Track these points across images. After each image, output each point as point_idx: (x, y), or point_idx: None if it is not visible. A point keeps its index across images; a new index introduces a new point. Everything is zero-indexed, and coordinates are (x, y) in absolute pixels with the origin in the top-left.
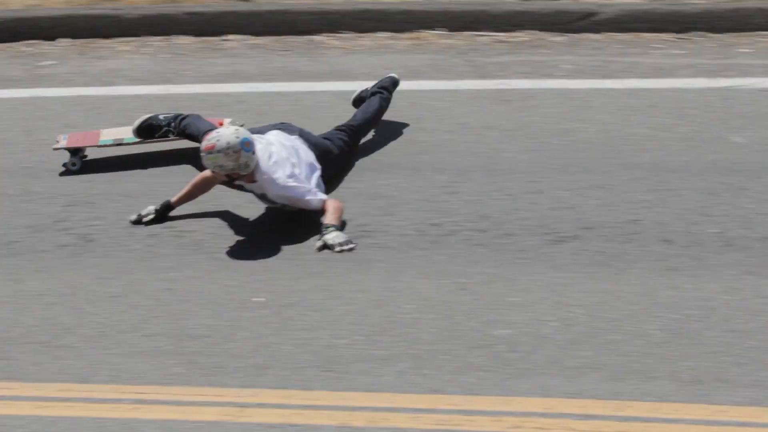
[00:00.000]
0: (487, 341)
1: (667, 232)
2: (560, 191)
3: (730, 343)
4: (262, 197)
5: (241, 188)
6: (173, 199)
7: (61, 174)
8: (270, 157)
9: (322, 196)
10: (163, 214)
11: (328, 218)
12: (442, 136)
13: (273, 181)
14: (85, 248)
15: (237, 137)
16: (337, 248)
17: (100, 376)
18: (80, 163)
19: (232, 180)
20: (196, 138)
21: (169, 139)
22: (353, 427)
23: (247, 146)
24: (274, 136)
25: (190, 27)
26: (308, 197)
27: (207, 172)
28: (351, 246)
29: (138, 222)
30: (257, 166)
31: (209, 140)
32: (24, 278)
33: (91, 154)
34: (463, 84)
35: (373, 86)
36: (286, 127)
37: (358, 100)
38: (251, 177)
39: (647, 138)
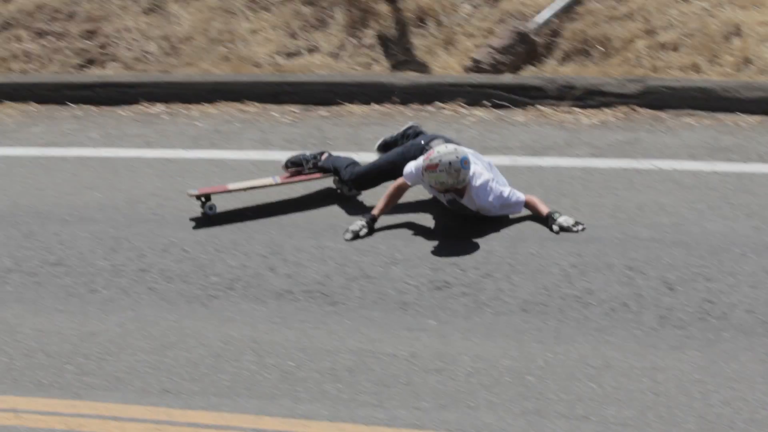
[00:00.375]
0: None
1: None
2: None
3: None
4: (460, 207)
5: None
6: (374, 211)
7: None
8: (476, 171)
9: (521, 195)
10: (371, 227)
11: (542, 208)
12: None
13: (486, 193)
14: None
15: (457, 157)
16: (575, 227)
17: None
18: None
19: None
20: (336, 171)
21: (307, 175)
22: None
23: (465, 164)
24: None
25: None
26: (514, 199)
27: (400, 181)
28: (582, 226)
29: (355, 238)
30: (469, 180)
31: (431, 160)
32: None
33: None
34: None
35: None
36: (451, 140)
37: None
38: (462, 191)
39: None
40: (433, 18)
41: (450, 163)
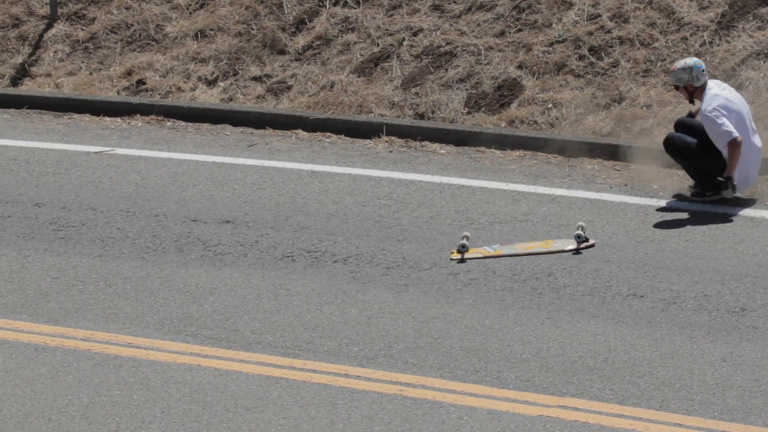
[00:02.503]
0: None
1: None
2: None
3: None
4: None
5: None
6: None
7: None
8: (720, 91)
9: (734, 133)
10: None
11: (730, 167)
12: None
13: (707, 102)
14: None
15: (692, 60)
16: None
17: None
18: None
19: (691, 98)
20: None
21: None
22: None
23: (698, 65)
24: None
25: None
26: (722, 129)
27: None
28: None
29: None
30: (705, 87)
31: (673, 64)
32: None
33: None
34: None
35: None
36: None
37: None
38: (700, 94)
39: None
40: None
41: (685, 63)
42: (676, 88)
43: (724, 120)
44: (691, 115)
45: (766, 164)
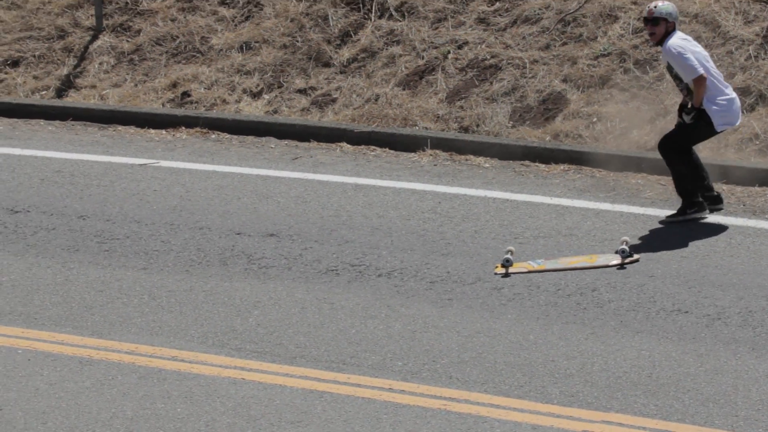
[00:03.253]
0: None
1: None
2: None
3: None
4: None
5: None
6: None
7: None
8: (688, 41)
9: (700, 70)
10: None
11: (696, 100)
12: None
13: (672, 44)
14: None
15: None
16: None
17: None
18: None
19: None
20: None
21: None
22: None
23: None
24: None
25: None
26: (690, 64)
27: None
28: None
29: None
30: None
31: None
32: None
33: None
34: None
35: None
36: None
37: None
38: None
39: None
40: None
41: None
42: (655, 23)
43: (690, 56)
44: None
45: None
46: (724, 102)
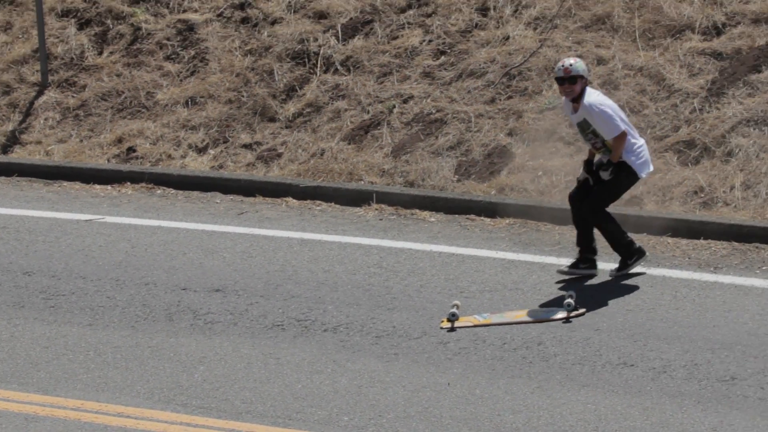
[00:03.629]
0: None
1: None
2: None
3: None
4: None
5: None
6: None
7: None
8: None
9: (622, 127)
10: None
11: (614, 156)
12: None
13: (594, 102)
14: None
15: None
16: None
17: None
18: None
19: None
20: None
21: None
22: None
23: (578, 61)
24: None
25: None
26: (613, 123)
27: None
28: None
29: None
30: (585, 93)
31: (564, 60)
32: None
33: None
34: None
35: None
36: None
37: None
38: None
39: None
40: None
41: (564, 61)
42: (573, 81)
43: (612, 114)
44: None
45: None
46: (640, 150)
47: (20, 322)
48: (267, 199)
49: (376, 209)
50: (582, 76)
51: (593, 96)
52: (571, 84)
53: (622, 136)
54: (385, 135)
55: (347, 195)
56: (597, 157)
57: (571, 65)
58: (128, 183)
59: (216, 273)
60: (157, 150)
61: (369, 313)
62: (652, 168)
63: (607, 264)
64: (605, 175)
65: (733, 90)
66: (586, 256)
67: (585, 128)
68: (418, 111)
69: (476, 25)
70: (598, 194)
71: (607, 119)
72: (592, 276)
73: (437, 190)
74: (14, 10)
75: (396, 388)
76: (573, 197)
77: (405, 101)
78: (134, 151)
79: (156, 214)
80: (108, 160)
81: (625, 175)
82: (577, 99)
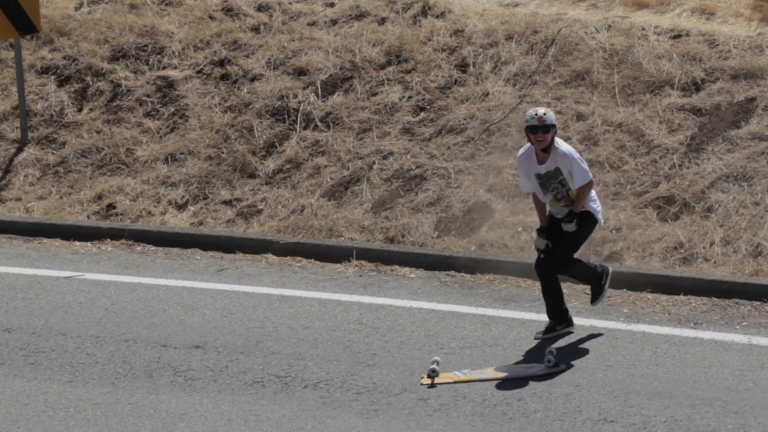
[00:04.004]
0: None
1: None
2: None
3: None
4: (547, 176)
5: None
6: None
7: None
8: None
9: (591, 175)
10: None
11: (577, 205)
12: None
13: (569, 150)
14: None
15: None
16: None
17: None
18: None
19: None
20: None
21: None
22: None
23: (550, 113)
24: None
25: None
26: (584, 168)
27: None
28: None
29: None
30: (556, 142)
31: (532, 110)
32: None
33: None
34: None
35: None
36: None
37: None
38: (547, 150)
39: None
40: None
41: (536, 110)
42: (546, 130)
43: (583, 160)
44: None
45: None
46: (595, 197)
47: (0, 379)
48: (247, 255)
49: (356, 265)
50: (554, 125)
51: (564, 144)
52: (545, 133)
53: (591, 184)
54: (365, 191)
55: (327, 251)
56: (548, 212)
57: (544, 114)
58: (108, 240)
59: (196, 329)
60: (136, 206)
61: (349, 369)
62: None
63: (586, 320)
64: (570, 227)
65: (713, 146)
66: (561, 318)
67: (553, 177)
68: (398, 167)
69: (455, 81)
70: (565, 250)
71: (581, 164)
72: (570, 333)
73: (417, 246)
74: None
75: None
76: (542, 268)
77: (385, 157)
78: (114, 207)
79: (136, 270)
80: (88, 217)
81: (588, 225)
82: (547, 148)
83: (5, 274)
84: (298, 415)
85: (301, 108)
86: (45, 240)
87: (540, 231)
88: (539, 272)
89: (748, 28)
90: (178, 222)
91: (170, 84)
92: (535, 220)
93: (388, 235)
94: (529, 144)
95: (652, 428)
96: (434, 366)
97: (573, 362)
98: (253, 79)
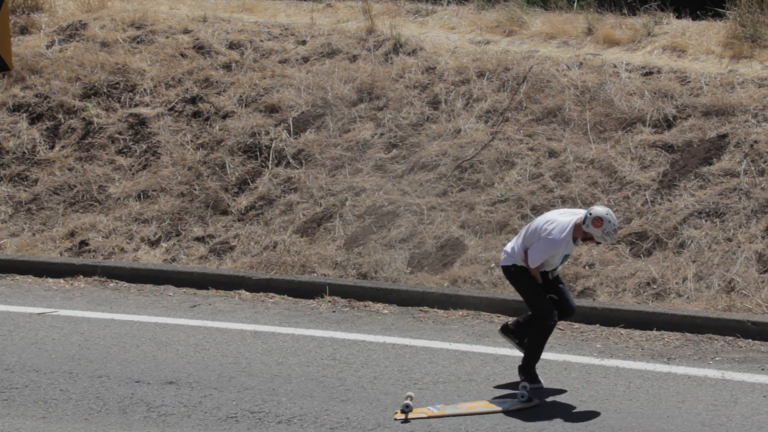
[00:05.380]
0: None
1: None
2: None
3: None
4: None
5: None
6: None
7: None
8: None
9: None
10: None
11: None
12: None
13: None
14: None
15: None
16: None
17: None
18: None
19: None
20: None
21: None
22: None
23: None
24: None
25: None
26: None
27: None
28: None
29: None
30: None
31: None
32: None
33: None
34: None
35: None
36: None
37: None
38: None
39: None
40: None
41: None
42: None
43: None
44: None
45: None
46: None
47: None
48: (220, 291)
49: (329, 301)
50: None
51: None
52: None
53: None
54: (337, 227)
55: (300, 287)
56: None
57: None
58: (81, 276)
59: (169, 365)
60: (109, 243)
61: (323, 405)
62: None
63: (560, 355)
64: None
65: (685, 182)
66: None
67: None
68: (371, 203)
69: (428, 118)
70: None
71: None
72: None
73: (390, 282)
74: None
75: None
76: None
77: (357, 194)
78: (87, 244)
79: (109, 307)
80: (61, 254)
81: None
82: None
83: None
84: None
85: (273, 145)
86: (18, 277)
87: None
88: (558, 321)
89: (720, 65)
90: (151, 258)
91: (142, 121)
92: None
93: (361, 271)
94: (571, 231)
95: None
96: (408, 401)
97: (546, 397)
98: (225, 117)
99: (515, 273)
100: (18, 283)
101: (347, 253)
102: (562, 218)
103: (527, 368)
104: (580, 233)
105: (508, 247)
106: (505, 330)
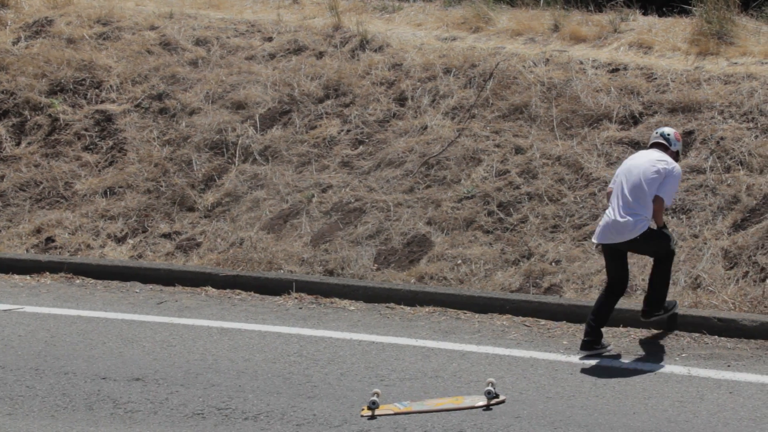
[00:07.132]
0: None
1: None
2: None
3: None
4: None
5: None
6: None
7: None
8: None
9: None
10: None
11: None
12: None
13: None
14: None
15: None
16: None
17: None
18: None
19: None
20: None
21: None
22: None
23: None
24: None
25: None
26: None
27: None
28: None
29: None
30: None
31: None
32: None
33: None
34: None
35: None
36: None
37: None
38: None
39: None
40: None
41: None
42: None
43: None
44: None
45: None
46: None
47: None
48: (186, 288)
49: (296, 298)
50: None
51: None
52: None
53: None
54: (304, 224)
55: (267, 284)
56: None
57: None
58: (47, 273)
59: (136, 362)
60: (76, 240)
61: (289, 401)
62: (596, 240)
63: (526, 351)
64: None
65: None
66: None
67: None
68: (337, 200)
69: (394, 114)
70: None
71: None
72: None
73: (357, 279)
74: None
75: None
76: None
77: (324, 190)
78: (53, 241)
79: (75, 303)
80: (27, 250)
81: None
82: None
83: None
84: None
85: (239, 141)
86: None
87: None
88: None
89: (686, 62)
90: (118, 255)
91: (108, 118)
92: (474, 253)
93: (328, 268)
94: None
95: None
96: (374, 398)
97: (513, 394)
98: (191, 113)
99: (651, 233)
100: None
101: (314, 249)
102: (654, 154)
103: (662, 302)
104: (672, 156)
105: (627, 215)
106: (648, 314)
